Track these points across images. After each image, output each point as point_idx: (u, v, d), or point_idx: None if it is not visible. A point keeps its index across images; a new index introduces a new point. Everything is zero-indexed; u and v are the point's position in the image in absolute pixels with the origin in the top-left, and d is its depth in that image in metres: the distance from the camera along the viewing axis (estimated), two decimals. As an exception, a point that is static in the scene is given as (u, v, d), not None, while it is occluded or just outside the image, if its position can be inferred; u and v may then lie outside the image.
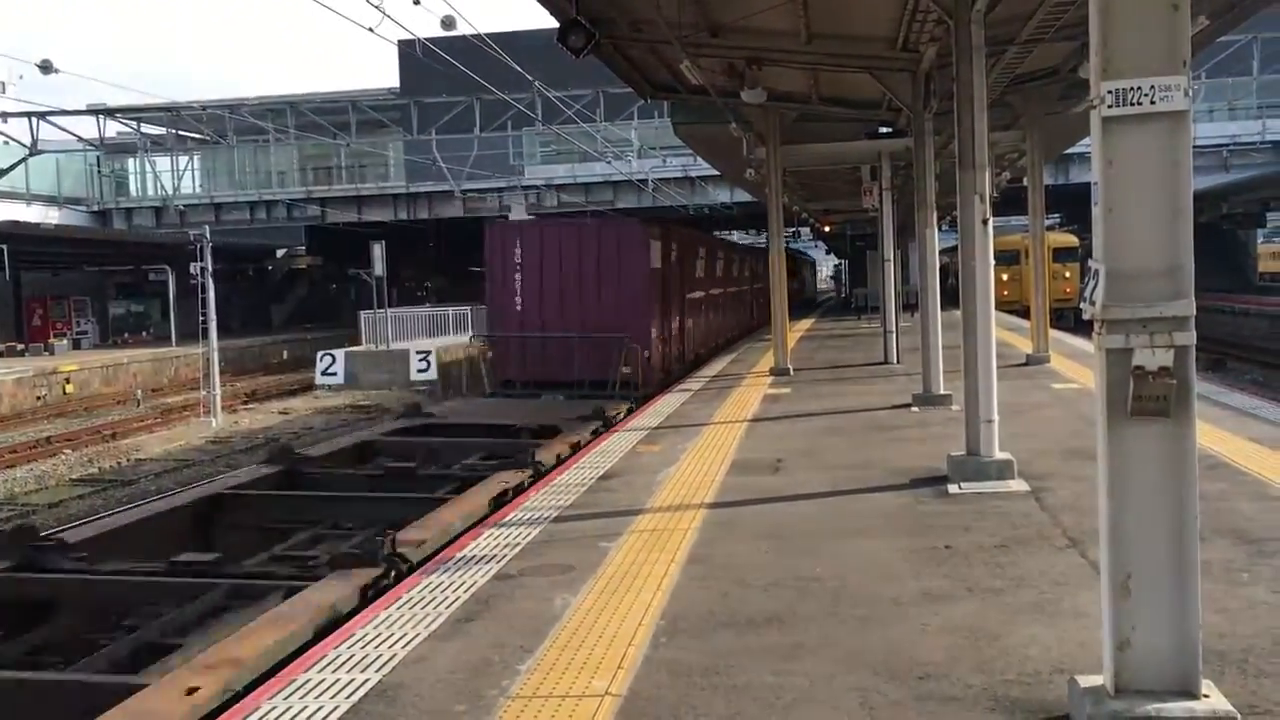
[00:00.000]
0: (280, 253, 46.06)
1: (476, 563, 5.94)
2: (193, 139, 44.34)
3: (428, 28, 48.75)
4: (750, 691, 4.00)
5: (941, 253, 17.46)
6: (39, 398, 25.02)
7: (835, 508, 7.03)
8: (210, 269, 21.98)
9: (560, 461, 9.81)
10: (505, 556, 6.06)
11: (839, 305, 44.93)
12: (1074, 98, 14.13)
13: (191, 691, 4.35)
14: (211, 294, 21.85)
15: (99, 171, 41.35)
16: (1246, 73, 33.99)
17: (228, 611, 6.08)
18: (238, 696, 4.34)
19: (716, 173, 31.72)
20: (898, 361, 16.29)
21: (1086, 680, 3.55)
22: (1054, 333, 17.71)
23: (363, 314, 28.87)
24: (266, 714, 4.02)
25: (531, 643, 4.61)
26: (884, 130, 16.12)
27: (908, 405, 11.54)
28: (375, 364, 26.83)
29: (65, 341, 32.96)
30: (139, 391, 26.23)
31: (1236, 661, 4.00)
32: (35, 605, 6.34)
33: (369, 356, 27.21)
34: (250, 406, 25.32)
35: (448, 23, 16.13)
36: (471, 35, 15.86)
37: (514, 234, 17.34)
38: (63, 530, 7.69)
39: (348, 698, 4.11)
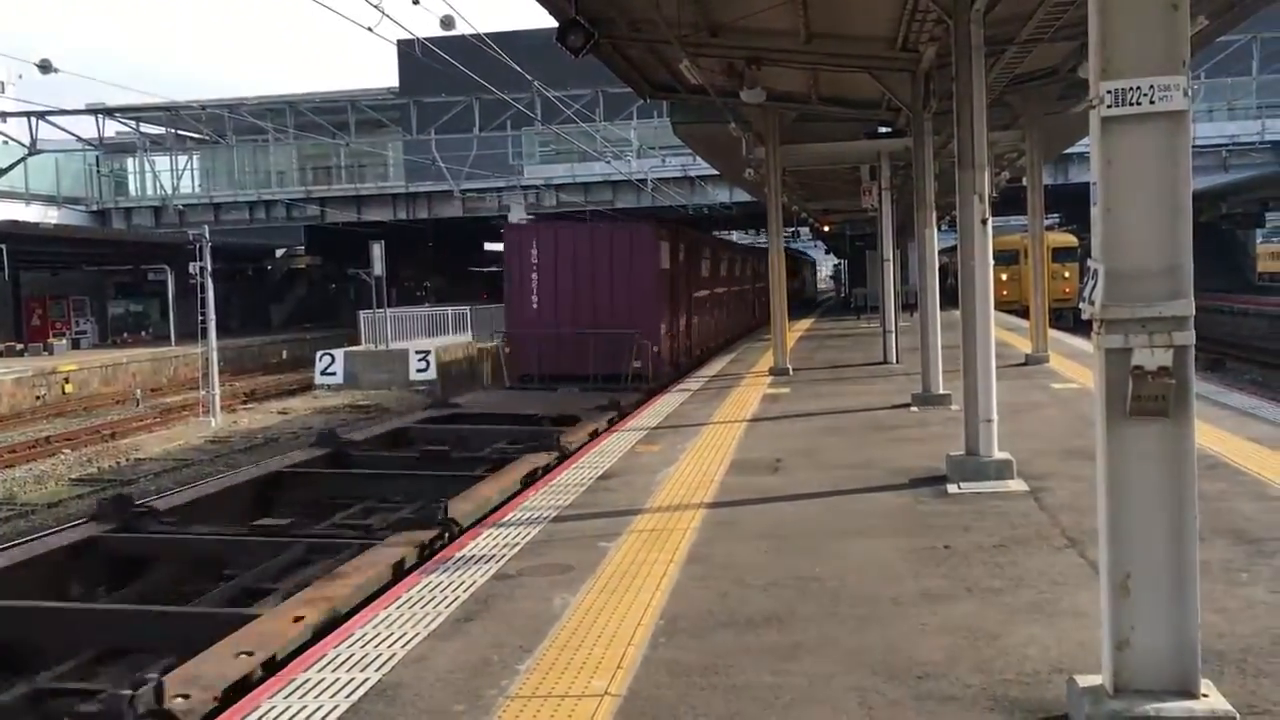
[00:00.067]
0: (279, 252, 46.04)
1: (476, 562, 5.94)
2: (192, 139, 44.32)
3: (427, 27, 48.77)
4: (749, 691, 4.00)
5: (941, 252, 17.47)
6: (38, 397, 25.01)
7: (835, 507, 7.03)
8: (209, 269, 21.96)
9: (589, 441, 10.82)
10: (505, 556, 6.06)
11: (838, 305, 44.93)
12: (1073, 97, 14.13)
13: (298, 619, 5.32)
14: (210, 294, 21.83)
15: (98, 171, 41.33)
16: (1246, 73, 33.99)
17: (308, 565, 7.08)
18: (335, 624, 5.27)
19: (716, 172, 31.71)
20: (897, 361, 16.30)
21: (1085, 680, 3.55)
22: (1053, 333, 17.72)
23: (362, 314, 28.86)
24: (266, 713, 4.02)
25: (531, 642, 4.61)
26: (883, 130, 16.12)
27: (907, 405, 11.54)
28: (374, 364, 26.83)
29: (64, 341, 32.94)
30: (138, 391, 26.21)
31: (1235, 661, 4.00)
32: (135, 561, 7.44)
33: (368, 356, 27.21)
34: (249, 406, 25.30)
35: (447, 22, 16.11)
36: (471, 35, 15.85)
37: (531, 236, 18.12)
38: (153, 500, 8.88)
39: (347, 697, 4.11)
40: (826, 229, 40.47)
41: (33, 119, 33.99)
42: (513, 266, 17.88)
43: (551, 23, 10.20)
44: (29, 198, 38.14)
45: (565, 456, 9.96)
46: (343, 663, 4.49)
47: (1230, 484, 6.92)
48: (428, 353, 26.32)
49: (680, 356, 19.37)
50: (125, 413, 23.89)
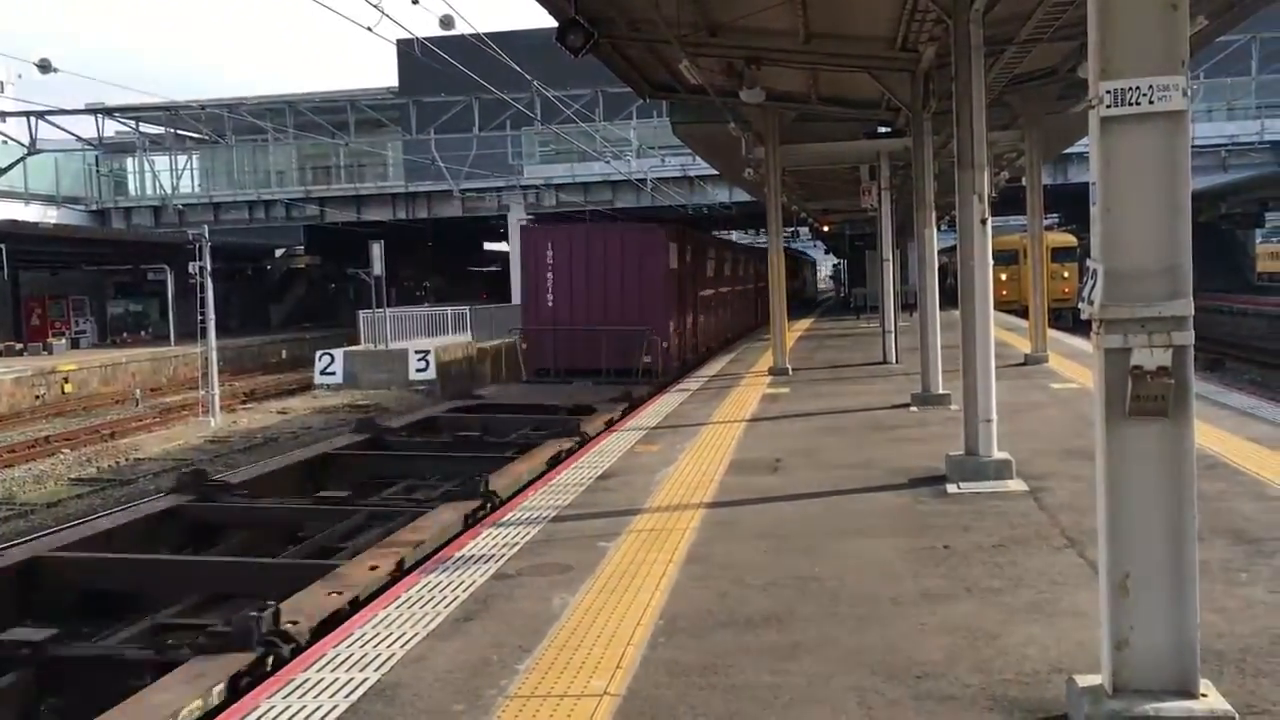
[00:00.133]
0: (279, 252, 46.03)
1: (475, 562, 5.94)
2: (191, 138, 44.32)
3: (426, 27, 48.75)
4: (748, 691, 4.00)
5: (940, 252, 17.48)
6: (37, 397, 25.01)
7: (834, 507, 7.03)
8: (209, 268, 21.95)
9: (607, 427, 11.71)
10: (504, 556, 6.06)
11: (838, 305, 44.93)
12: (1073, 97, 14.13)
13: (374, 568, 6.25)
14: (210, 293, 21.82)
15: (97, 171, 41.33)
16: (1245, 73, 33.99)
17: (367, 530, 8.00)
18: (403, 574, 6.09)
19: (715, 172, 31.69)
20: (896, 361, 16.30)
21: (1085, 680, 3.55)
22: (1052, 332, 17.72)
23: (361, 313, 28.85)
24: (266, 713, 4.02)
25: (530, 642, 4.61)
26: (883, 130, 16.12)
27: (906, 405, 11.54)
28: (374, 363, 26.82)
29: (63, 341, 32.92)
30: (137, 391, 26.20)
31: (1235, 661, 4.01)
32: (213, 527, 8.42)
33: (368, 356, 27.21)
34: (249, 406, 25.30)
35: (446, 22, 16.10)
36: (470, 34, 15.85)
37: (546, 238, 18.97)
38: (224, 475, 10.13)
39: (346, 697, 4.11)
40: (826, 229, 40.47)
41: (32, 118, 33.97)
42: (529, 266, 18.85)
43: (551, 22, 10.20)
44: (28, 197, 38.13)
45: (585, 441, 10.91)
46: (342, 662, 4.49)
47: (1229, 484, 6.92)
48: (427, 352, 26.31)
49: (687, 353, 20.10)
50: (124, 412, 23.88)
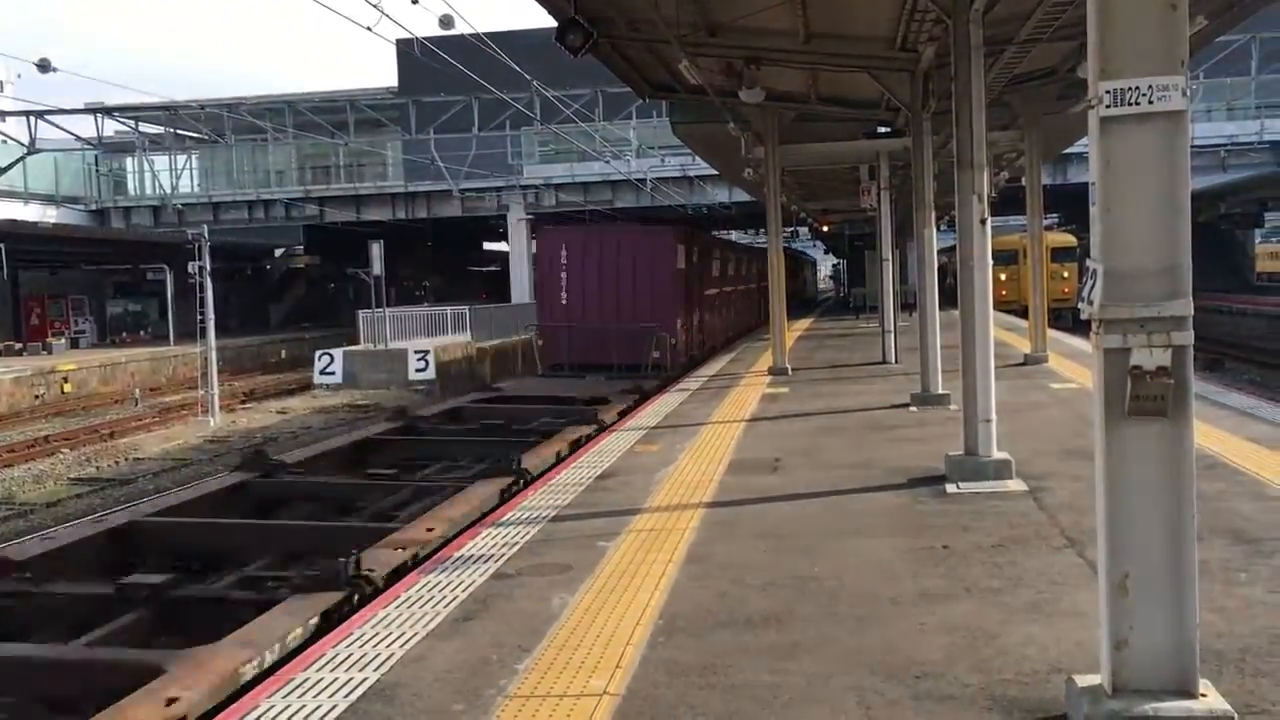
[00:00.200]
0: (278, 252, 46.02)
1: (475, 562, 5.94)
2: (191, 138, 44.31)
3: (426, 27, 48.74)
4: (748, 691, 4.00)
5: (940, 252, 17.48)
6: (37, 397, 25.00)
7: (833, 507, 7.03)
8: (208, 268, 21.95)
9: (621, 416, 12.56)
10: (503, 556, 6.06)
11: (838, 304, 44.94)
12: (1072, 97, 14.13)
13: (430, 530, 7.04)
14: (209, 293, 21.82)
15: (97, 170, 41.32)
16: (1245, 73, 34.01)
17: (415, 503, 8.71)
18: (445, 544, 6.68)
19: (715, 172, 31.68)
20: (896, 361, 16.30)
21: (1084, 679, 3.55)
22: (1052, 332, 17.72)
23: (361, 313, 28.84)
24: (265, 713, 4.02)
25: (529, 642, 4.61)
26: (882, 130, 16.12)
27: (906, 405, 11.55)
28: (373, 363, 26.82)
29: (63, 340, 32.92)
30: (137, 391, 26.20)
31: (1234, 661, 4.01)
32: (276, 500, 9.24)
33: (367, 356, 27.20)
34: (248, 406, 25.30)
35: (446, 22, 16.10)
36: (470, 34, 15.85)
37: (560, 239, 19.85)
38: (285, 454, 10.99)
39: (346, 696, 4.11)
40: (825, 229, 40.46)
41: (31, 118, 33.95)
42: (544, 266, 19.70)
43: (551, 22, 10.20)
44: (28, 197, 38.12)
45: (603, 429, 11.73)
46: (341, 662, 4.49)
47: (1229, 484, 6.92)
48: (427, 352, 26.31)
49: (694, 349, 20.90)
50: (124, 412, 23.88)
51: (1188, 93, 3.35)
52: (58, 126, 34.94)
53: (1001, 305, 25.45)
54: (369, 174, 42.01)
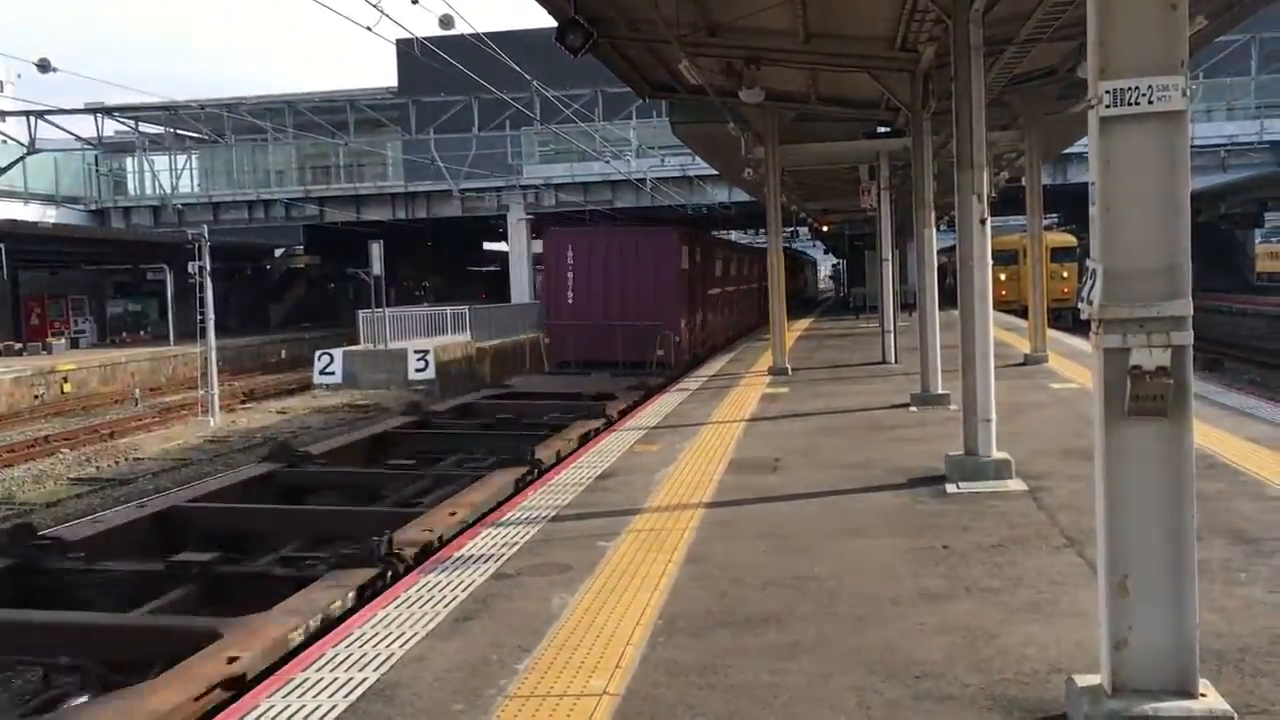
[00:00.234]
0: (278, 252, 46.01)
1: (474, 562, 5.94)
2: (191, 138, 44.30)
3: (426, 27, 48.74)
4: (747, 691, 4.00)
5: (940, 252, 17.48)
6: (36, 397, 25.00)
7: (833, 507, 7.03)
8: (208, 268, 21.95)
9: (627, 412, 12.98)
10: (503, 556, 6.06)
11: (838, 304, 44.93)
12: (1072, 97, 14.12)
13: (453, 514, 7.54)
14: (209, 293, 21.82)
15: (97, 170, 41.32)
16: (1245, 73, 34.01)
17: (434, 491, 9.22)
18: (479, 520, 7.29)
19: (715, 172, 31.66)
20: (896, 361, 16.30)
21: (1084, 679, 3.55)
22: (1052, 332, 17.72)
23: (361, 313, 28.84)
24: (265, 712, 4.02)
25: (529, 642, 4.61)
26: (882, 130, 16.12)
27: (906, 405, 11.55)
28: (373, 363, 26.82)
29: (63, 340, 32.91)
30: (137, 391, 26.20)
31: (1234, 661, 4.01)
32: (303, 489, 9.71)
33: (367, 356, 27.20)
34: (248, 406, 25.30)
35: (446, 22, 16.10)
36: (470, 34, 15.86)
37: (568, 240, 20.29)
38: (309, 446, 11.20)
39: (345, 696, 4.11)
40: (825, 229, 40.45)
41: (31, 118, 33.95)
42: (551, 266, 20.21)
43: (551, 22, 10.20)
44: (28, 197, 38.12)
45: (610, 423, 12.20)
46: (341, 662, 4.49)
47: (1229, 484, 6.92)
48: (426, 352, 26.31)
49: (697, 347, 21.34)
50: (124, 412, 23.88)
51: (1188, 93, 3.35)
52: (58, 126, 34.94)
53: (1001, 305, 25.45)
54: (369, 174, 42.01)
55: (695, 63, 11.72)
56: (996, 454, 7.61)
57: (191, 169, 43.83)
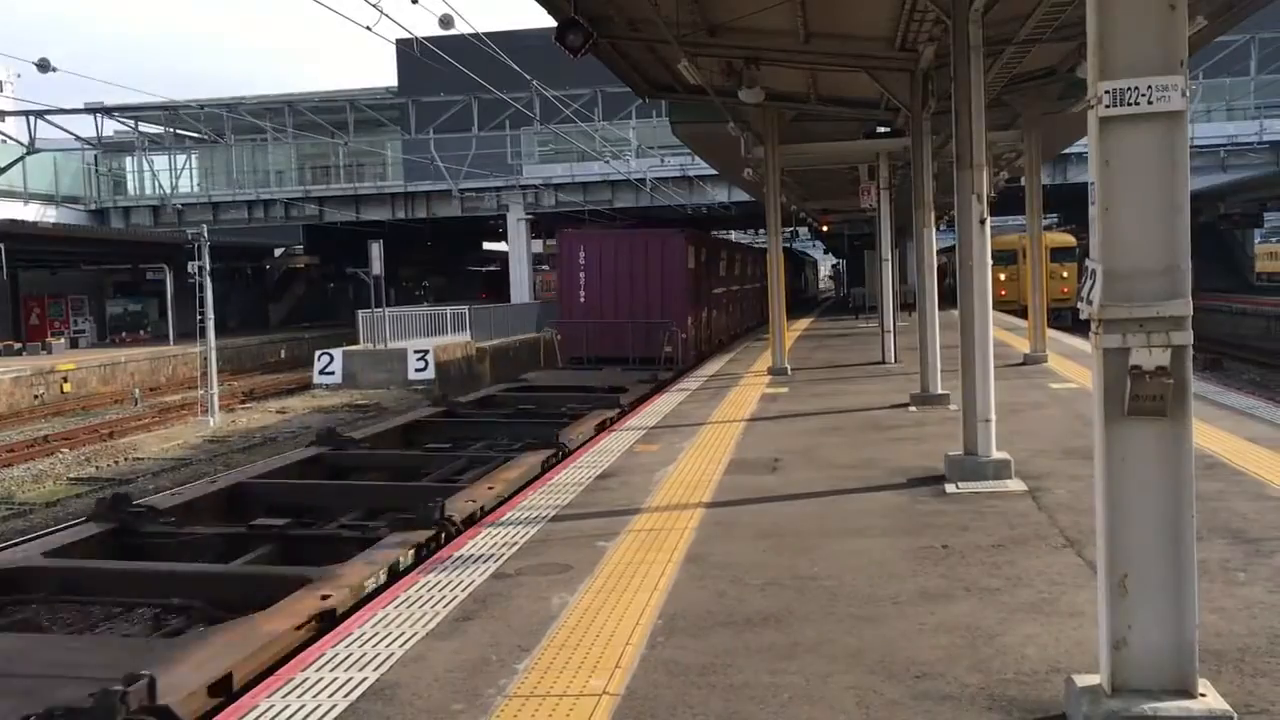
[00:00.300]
0: (278, 252, 46.01)
1: (474, 562, 5.94)
2: (191, 138, 44.31)
3: (426, 27, 48.75)
4: (747, 691, 4.00)
5: (939, 252, 17.49)
6: (36, 396, 25.00)
7: (833, 507, 7.03)
8: (208, 268, 21.95)
9: (638, 403, 13.74)
10: (503, 556, 6.06)
11: (837, 304, 44.93)
12: (1072, 98, 14.13)
13: (490, 488, 8.35)
14: (209, 293, 21.82)
15: (96, 170, 41.32)
16: (1244, 73, 34.03)
17: (469, 471, 9.92)
18: (512, 495, 8.06)
19: (714, 172, 31.71)
20: (895, 361, 16.30)
21: (1083, 679, 3.55)
22: (1051, 332, 17.72)
23: (360, 313, 28.84)
24: (264, 712, 4.02)
25: (529, 642, 4.61)
26: (882, 130, 16.11)
27: (905, 405, 11.55)
28: (373, 363, 26.82)
29: (62, 340, 32.90)
30: (136, 390, 26.20)
31: (1233, 661, 4.01)
32: (348, 469, 10.52)
33: (367, 356, 27.20)
34: (248, 405, 25.29)
35: (446, 21, 16.09)
36: (469, 34, 15.86)
37: (579, 241, 21.19)
38: (351, 432, 12.12)
39: (345, 696, 4.11)
40: (825, 229, 40.44)
41: (31, 118, 33.97)
42: (563, 266, 21.06)
43: (550, 22, 10.20)
44: (27, 197, 38.14)
45: (625, 411, 13.00)
46: (340, 662, 4.49)
47: (1228, 484, 6.92)
48: (426, 352, 26.31)
49: (703, 344, 22.11)
50: (123, 412, 23.88)
51: (1187, 93, 3.35)
52: (58, 126, 34.98)
53: (1001, 305, 25.48)
54: (369, 174, 42.02)
55: (695, 63, 11.72)
56: (996, 454, 7.61)
57: (191, 169, 43.85)
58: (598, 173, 37.86)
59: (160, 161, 42.64)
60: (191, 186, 43.11)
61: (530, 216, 39.34)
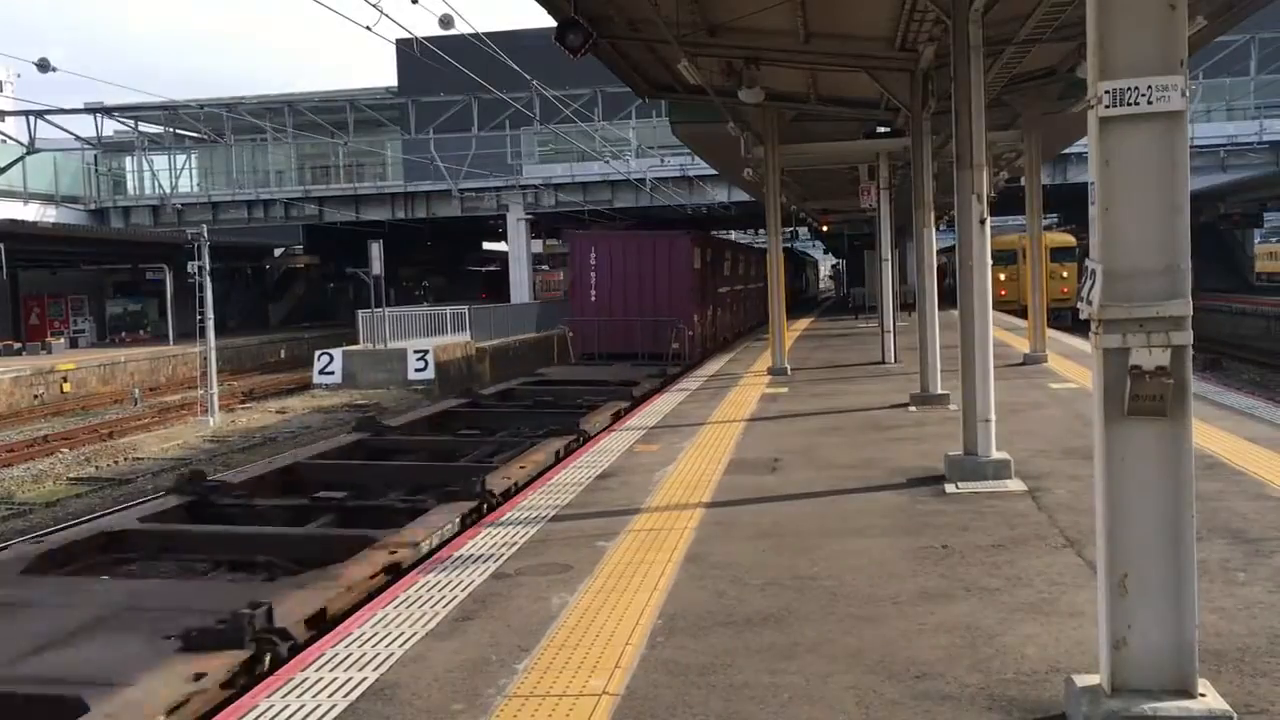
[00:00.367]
0: (278, 252, 46.00)
1: (474, 562, 5.94)
2: (190, 138, 44.31)
3: (426, 27, 48.74)
4: (747, 691, 4.00)
5: (939, 252, 17.49)
6: (36, 396, 25.00)
7: (833, 507, 7.03)
8: (207, 268, 21.95)
9: (648, 395, 14.68)
10: (503, 556, 6.06)
11: (837, 304, 44.92)
12: (1072, 98, 14.13)
13: (522, 467, 9.28)
14: (209, 293, 21.81)
15: (96, 170, 41.32)
16: (1244, 73, 34.03)
17: (498, 454, 10.85)
18: (530, 481, 8.72)
19: (714, 172, 31.70)
20: (895, 361, 16.30)
21: (1083, 679, 3.55)
22: (1051, 332, 17.72)
23: (360, 313, 28.83)
24: (264, 712, 4.02)
25: (529, 642, 4.61)
26: (882, 130, 16.10)
27: (905, 405, 11.55)
28: (373, 363, 26.82)
29: (62, 340, 32.90)
30: (136, 390, 26.19)
31: (1233, 661, 4.01)
32: (387, 452, 11.50)
33: (366, 356, 27.20)
34: (247, 405, 25.29)
35: (446, 21, 16.09)
36: (469, 34, 15.86)
37: (590, 243, 21.98)
38: (386, 421, 13.18)
39: (345, 696, 4.11)
40: (825, 229, 40.45)
41: (31, 118, 33.96)
42: (575, 266, 21.92)
43: (550, 22, 10.20)
44: (27, 196, 38.13)
45: (638, 402, 13.89)
46: (340, 662, 4.49)
47: (1228, 484, 6.93)
48: (426, 352, 26.31)
49: (708, 341, 22.97)
50: (123, 412, 23.88)
51: (1187, 93, 3.35)
52: (58, 126, 34.96)
53: (1001, 305, 25.50)
54: (368, 174, 42.02)
55: (695, 63, 11.72)
56: (996, 454, 7.61)
57: (191, 169, 43.85)
58: (598, 173, 37.85)
59: (160, 161, 42.64)
60: (191, 186, 43.11)
61: (530, 216, 39.34)
